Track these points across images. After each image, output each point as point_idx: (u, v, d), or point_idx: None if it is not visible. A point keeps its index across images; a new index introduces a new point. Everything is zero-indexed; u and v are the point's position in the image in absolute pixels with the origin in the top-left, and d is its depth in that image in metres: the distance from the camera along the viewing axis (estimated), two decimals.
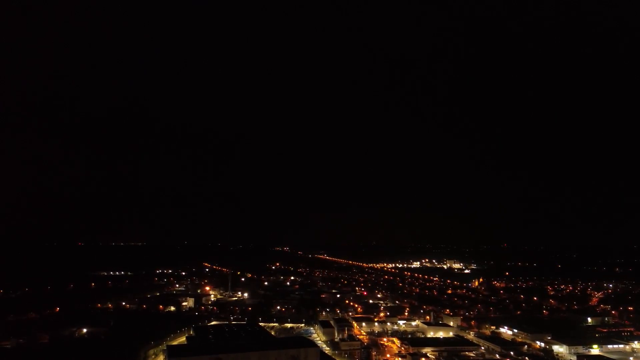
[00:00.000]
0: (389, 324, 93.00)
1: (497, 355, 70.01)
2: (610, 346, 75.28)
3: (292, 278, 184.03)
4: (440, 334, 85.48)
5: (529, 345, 76.31)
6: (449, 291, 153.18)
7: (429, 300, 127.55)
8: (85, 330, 77.88)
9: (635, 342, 77.14)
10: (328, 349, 72.62)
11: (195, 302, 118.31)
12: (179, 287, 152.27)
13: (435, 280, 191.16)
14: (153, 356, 63.68)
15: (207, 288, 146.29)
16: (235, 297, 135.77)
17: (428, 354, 69.86)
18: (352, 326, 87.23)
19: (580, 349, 73.00)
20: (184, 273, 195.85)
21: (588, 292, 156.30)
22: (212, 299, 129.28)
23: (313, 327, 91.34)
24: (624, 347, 75.71)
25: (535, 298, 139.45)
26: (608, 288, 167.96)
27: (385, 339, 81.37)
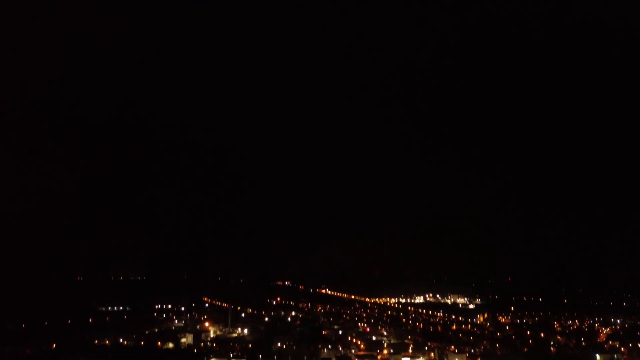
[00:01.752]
0: None
1: None
2: None
3: (294, 313, 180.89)
4: None
5: None
6: (454, 327, 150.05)
7: (434, 336, 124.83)
8: None
9: None
10: None
11: (195, 339, 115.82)
12: (178, 322, 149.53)
13: (440, 315, 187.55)
14: None
15: (207, 324, 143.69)
16: (236, 333, 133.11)
17: None
18: None
19: None
20: (183, 308, 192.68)
21: (596, 328, 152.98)
22: (212, 335, 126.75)
23: None
24: None
25: (542, 334, 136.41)
26: (616, 324, 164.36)
27: None
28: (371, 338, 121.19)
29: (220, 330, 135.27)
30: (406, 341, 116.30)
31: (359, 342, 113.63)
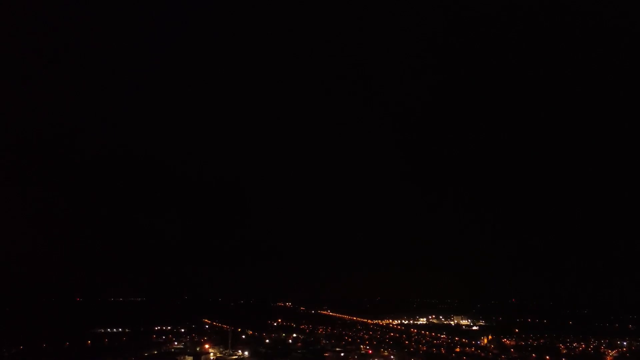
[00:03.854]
0: None
1: None
2: None
3: (295, 335, 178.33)
4: None
5: None
6: (457, 349, 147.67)
7: (437, 359, 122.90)
8: None
9: None
10: None
11: None
12: (177, 344, 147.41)
13: (443, 337, 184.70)
14: None
15: (207, 346, 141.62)
16: (236, 355, 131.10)
17: None
18: None
19: None
20: (183, 330, 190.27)
21: (602, 350, 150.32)
22: (212, 358, 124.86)
23: None
24: None
25: (547, 357, 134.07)
26: (622, 346, 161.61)
27: None
28: None
29: (221, 353, 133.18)
30: None
31: None
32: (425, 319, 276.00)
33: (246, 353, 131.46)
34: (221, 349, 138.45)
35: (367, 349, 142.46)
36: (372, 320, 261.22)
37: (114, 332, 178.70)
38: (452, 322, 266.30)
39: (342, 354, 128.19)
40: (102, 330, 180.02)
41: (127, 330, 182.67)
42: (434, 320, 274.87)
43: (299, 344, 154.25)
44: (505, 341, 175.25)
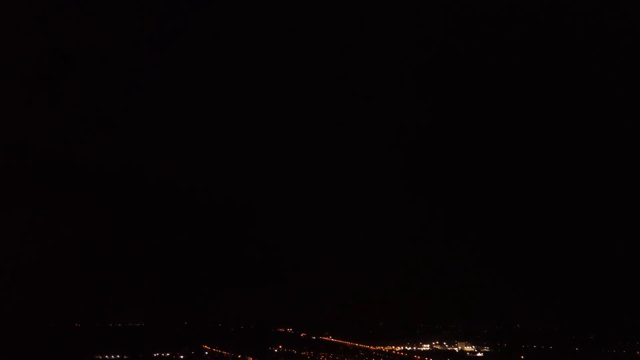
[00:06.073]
0: None
1: None
2: None
3: None
4: None
5: None
6: None
7: None
8: None
9: None
10: None
11: None
12: None
13: None
14: None
15: None
16: None
17: None
18: None
19: None
20: (182, 357, 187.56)
21: None
22: None
23: None
24: None
25: None
26: None
27: None
28: None
29: None
30: None
31: None
32: (428, 345, 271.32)
33: None
34: None
35: None
36: (374, 346, 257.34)
37: (113, 358, 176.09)
38: (456, 349, 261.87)
39: None
40: (101, 357, 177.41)
41: (125, 356, 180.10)
42: (438, 347, 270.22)
43: None
44: None
